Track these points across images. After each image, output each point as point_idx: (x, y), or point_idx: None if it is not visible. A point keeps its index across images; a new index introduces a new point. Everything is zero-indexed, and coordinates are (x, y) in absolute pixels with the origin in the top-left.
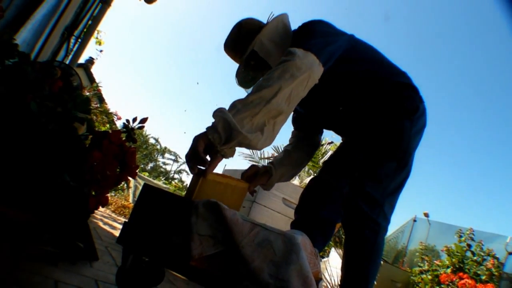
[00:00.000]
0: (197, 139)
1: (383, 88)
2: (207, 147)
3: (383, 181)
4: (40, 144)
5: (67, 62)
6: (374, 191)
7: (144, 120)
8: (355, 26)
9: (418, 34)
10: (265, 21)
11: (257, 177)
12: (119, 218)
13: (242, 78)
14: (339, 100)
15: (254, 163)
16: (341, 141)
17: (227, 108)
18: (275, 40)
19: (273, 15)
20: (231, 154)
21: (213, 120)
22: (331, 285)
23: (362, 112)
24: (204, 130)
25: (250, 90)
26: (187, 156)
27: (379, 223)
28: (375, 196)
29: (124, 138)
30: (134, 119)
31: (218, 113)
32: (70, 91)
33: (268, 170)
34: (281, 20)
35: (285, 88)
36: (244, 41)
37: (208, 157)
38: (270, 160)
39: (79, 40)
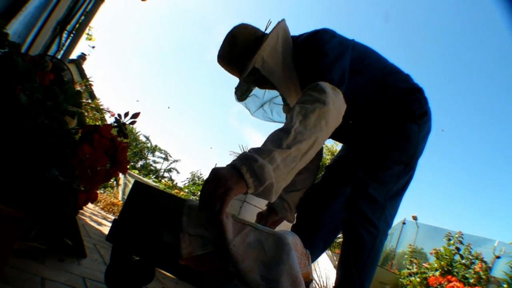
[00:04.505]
0: (231, 188)
1: (391, 94)
2: None
3: (388, 184)
4: (29, 138)
5: (59, 57)
6: (377, 193)
7: (136, 115)
8: (354, 26)
9: (416, 34)
10: (257, 25)
11: (263, 221)
12: (108, 215)
13: (240, 93)
14: (349, 115)
15: None
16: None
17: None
18: (277, 54)
19: (271, 22)
20: None
21: (248, 166)
22: (319, 286)
23: (371, 121)
24: (234, 172)
25: (246, 102)
26: (207, 196)
27: (378, 227)
28: (377, 198)
29: (115, 133)
30: (126, 114)
31: (263, 172)
32: (61, 84)
33: (272, 209)
34: (281, 30)
35: (320, 138)
36: (241, 55)
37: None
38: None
39: (72, 35)
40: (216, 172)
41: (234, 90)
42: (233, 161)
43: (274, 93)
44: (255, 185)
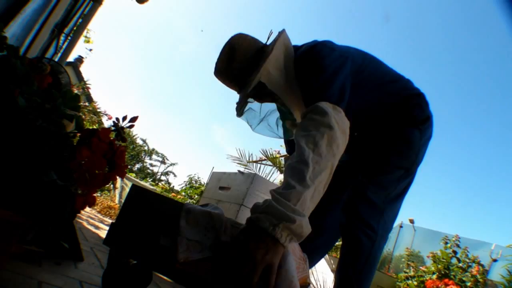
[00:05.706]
0: (273, 263)
1: (393, 101)
2: None
3: (387, 188)
4: (27, 141)
5: (56, 59)
6: (376, 197)
7: (134, 119)
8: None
9: (415, 33)
10: (253, 34)
11: None
12: (105, 219)
13: (240, 108)
14: (354, 127)
15: (242, 166)
16: None
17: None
18: (281, 67)
19: (272, 33)
20: None
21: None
22: None
23: (375, 130)
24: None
25: (248, 117)
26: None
27: (376, 230)
28: (376, 202)
29: (113, 137)
30: (124, 118)
31: (302, 230)
32: (59, 87)
33: None
34: (283, 41)
35: (334, 165)
36: (240, 69)
37: None
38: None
39: (69, 38)
40: (247, 250)
41: (235, 106)
42: (260, 222)
43: (271, 106)
44: (292, 242)
